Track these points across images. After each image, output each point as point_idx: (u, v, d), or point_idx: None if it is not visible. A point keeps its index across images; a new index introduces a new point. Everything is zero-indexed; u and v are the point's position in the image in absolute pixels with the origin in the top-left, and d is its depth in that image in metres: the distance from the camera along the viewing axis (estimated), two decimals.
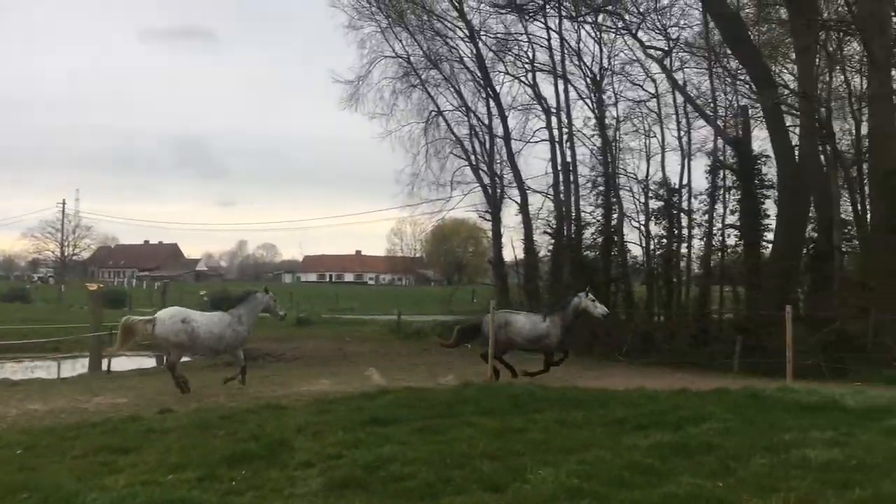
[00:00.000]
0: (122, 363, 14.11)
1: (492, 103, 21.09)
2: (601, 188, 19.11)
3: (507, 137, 20.81)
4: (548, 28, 19.95)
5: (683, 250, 18.58)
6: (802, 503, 4.26)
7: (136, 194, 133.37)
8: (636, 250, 19.35)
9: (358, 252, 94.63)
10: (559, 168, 19.91)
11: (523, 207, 20.44)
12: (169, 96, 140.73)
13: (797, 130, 16.85)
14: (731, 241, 17.44)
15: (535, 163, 22.51)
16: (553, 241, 19.88)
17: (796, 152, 16.33)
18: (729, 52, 17.05)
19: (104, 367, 13.18)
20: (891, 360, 11.88)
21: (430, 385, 10.21)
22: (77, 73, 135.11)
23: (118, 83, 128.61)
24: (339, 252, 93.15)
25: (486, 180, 21.21)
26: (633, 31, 17.91)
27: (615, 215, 18.88)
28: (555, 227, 19.83)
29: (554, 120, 20.22)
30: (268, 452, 5.39)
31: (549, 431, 6.32)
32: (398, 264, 79.84)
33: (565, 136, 19.98)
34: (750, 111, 17.43)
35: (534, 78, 20.70)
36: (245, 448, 5.50)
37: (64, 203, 65.08)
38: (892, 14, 15.23)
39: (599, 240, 18.90)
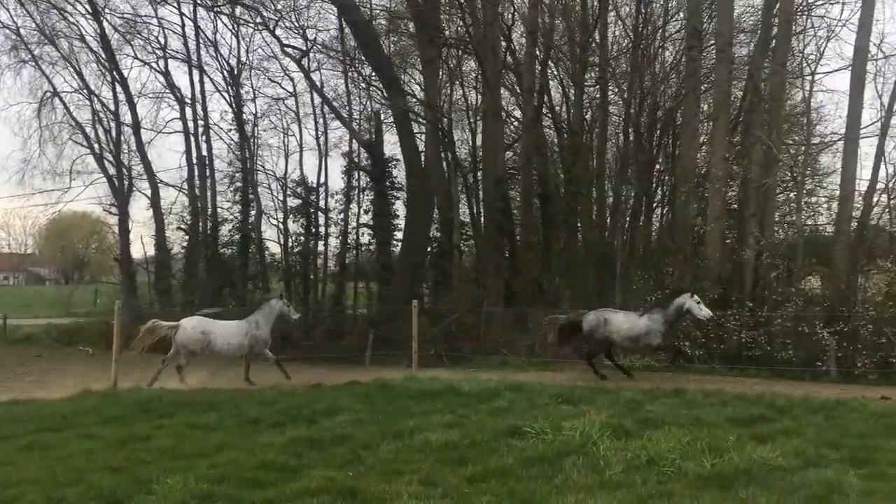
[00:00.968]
0: None
1: (119, 88, 20.33)
2: (239, 184, 19.79)
3: (136, 126, 20.33)
4: (181, 14, 19.96)
5: (321, 248, 20.36)
6: (424, 483, 4.92)
7: None
8: (274, 247, 20.46)
9: None
10: (195, 161, 20.09)
11: (155, 201, 20.15)
12: None
13: (423, 137, 19.90)
14: (364, 239, 19.84)
15: (169, 155, 22.21)
16: (188, 237, 19.92)
17: (423, 157, 19.24)
18: (363, 57, 19.11)
19: None
20: (499, 348, 14.06)
21: (42, 395, 9.69)
22: None
23: None
24: None
25: (112, 171, 20.57)
26: (271, 28, 18.80)
27: (253, 212, 19.67)
28: (189, 222, 19.89)
29: (189, 111, 20.40)
30: None
31: (179, 437, 6.38)
32: (4, 261, 74.17)
33: (201, 129, 20.22)
34: (382, 116, 19.92)
35: (166, 66, 20.63)
36: None
37: None
38: (501, 39, 19.59)
39: (237, 237, 19.54)
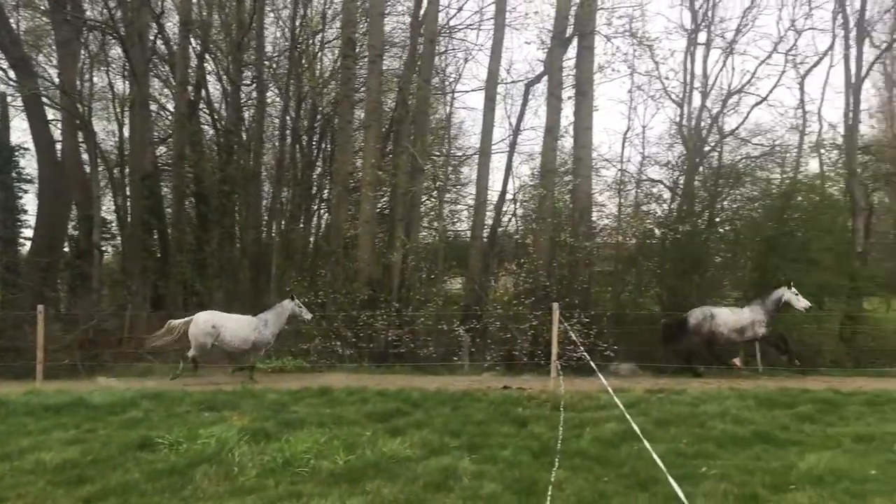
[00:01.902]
0: None
1: None
2: None
3: None
4: None
5: None
6: None
7: None
8: None
9: None
10: None
11: None
12: None
13: (60, 125, 19.23)
14: None
15: None
16: None
17: (59, 147, 18.74)
18: None
19: None
20: (143, 355, 14.02)
21: None
22: None
23: None
24: None
25: None
26: None
27: None
28: None
29: None
30: None
31: None
32: None
33: None
34: (9, 99, 18.72)
35: None
36: None
37: None
38: (153, 26, 19.66)
39: None
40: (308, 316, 13.23)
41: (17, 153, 18.15)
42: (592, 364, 9.07)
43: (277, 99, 23.10)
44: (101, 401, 9.01)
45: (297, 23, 22.49)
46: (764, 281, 16.03)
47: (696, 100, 21.12)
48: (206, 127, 21.36)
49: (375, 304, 15.35)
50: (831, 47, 20.61)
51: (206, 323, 12.34)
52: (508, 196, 20.95)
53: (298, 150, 22.83)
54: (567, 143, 19.38)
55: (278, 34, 23.56)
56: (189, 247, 18.29)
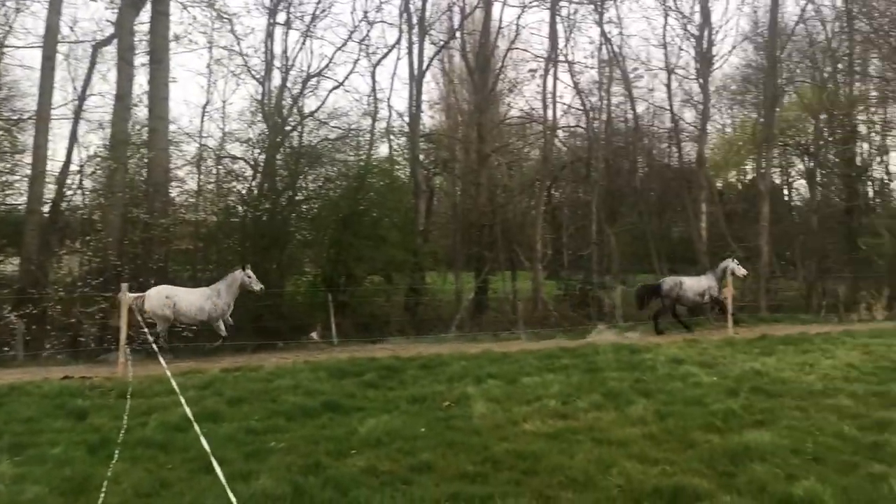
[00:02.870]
0: None
1: None
2: None
3: None
4: None
5: None
6: None
7: None
8: None
9: None
10: None
11: None
12: None
13: None
14: None
15: None
16: None
17: None
18: None
19: None
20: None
21: None
22: None
23: None
24: None
25: None
26: None
27: None
28: None
29: None
30: None
31: None
32: None
33: None
34: None
35: None
36: None
37: None
38: None
39: None
40: (258, 287, 14.61)
41: None
42: (156, 347, 9.72)
43: None
44: None
45: None
46: (339, 258, 18.73)
47: (277, 79, 23.08)
48: None
49: None
50: (398, 41, 24.65)
51: (159, 295, 13.85)
52: (74, 167, 20.10)
53: None
54: (142, 112, 19.42)
55: None
56: None
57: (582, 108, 26.40)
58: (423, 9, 23.99)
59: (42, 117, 17.49)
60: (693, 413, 8.01)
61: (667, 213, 31.19)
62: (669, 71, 26.65)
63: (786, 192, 35.64)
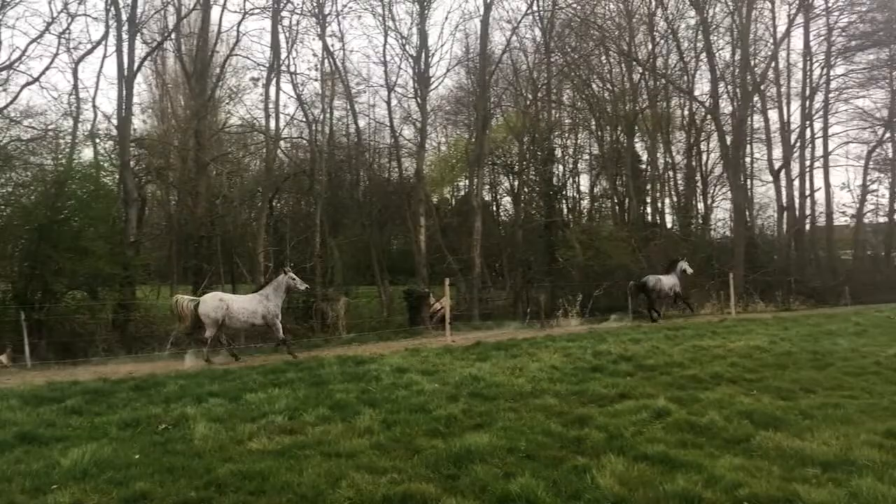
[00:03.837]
0: None
1: None
2: None
3: None
4: None
5: None
6: None
7: None
8: None
9: None
10: None
11: None
12: None
13: None
14: None
15: None
16: None
17: None
18: None
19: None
20: None
21: None
22: None
23: None
24: None
25: None
26: None
27: None
28: None
29: None
30: None
31: None
32: None
33: None
34: None
35: None
36: None
37: None
38: None
39: None
40: (303, 286, 16.08)
41: None
42: None
43: None
44: None
45: None
46: (35, 272, 17.50)
47: None
48: None
49: None
50: (105, 37, 23.43)
51: (214, 298, 15.18)
52: None
53: None
54: None
55: None
56: None
57: (305, 119, 27.28)
58: (134, 5, 23.10)
59: None
60: (418, 420, 8.50)
61: (388, 226, 33.24)
62: (389, 88, 28.61)
63: (495, 208, 39.83)
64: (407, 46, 28.04)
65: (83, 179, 20.00)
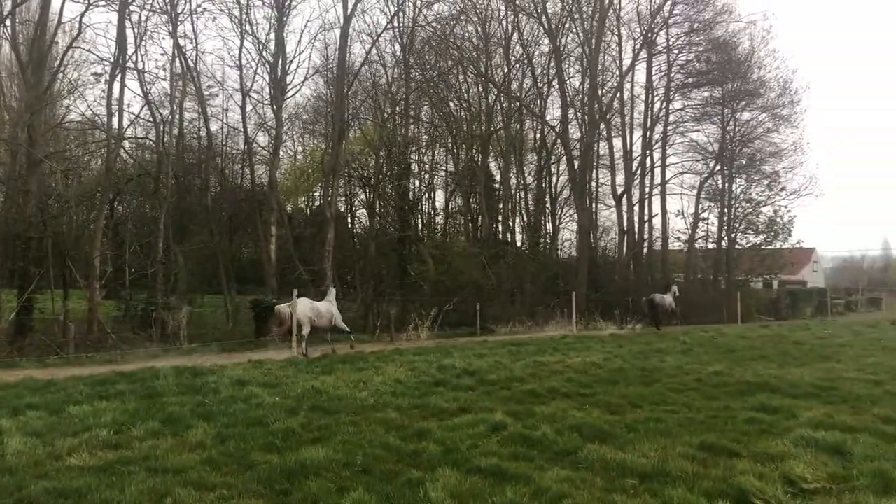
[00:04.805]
0: None
1: None
2: None
3: None
4: None
5: None
6: None
7: None
8: None
9: None
10: None
11: None
12: None
13: None
14: None
15: None
16: None
17: None
18: None
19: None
20: None
21: None
22: None
23: None
24: None
25: None
26: None
27: None
28: None
29: None
30: None
31: None
32: None
33: None
34: None
35: None
36: None
37: None
38: None
39: None
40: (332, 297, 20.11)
41: None
42: None
43: None
44: None
45: None
46: None
47: None
48: None
49: None
50: None
51: (304, 304, 18.66)
52: None
53: None
54: None
55: None
56: None
57: (152, 120, 26.35)
58: None
59: None
60: (254, 434, 8.42)
61: (238, 234, 32.63)
62: (244, 93, 28.22)
63: (350, 219, 40.00)
64: (264, 52, 27.81)
65: None
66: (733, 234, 42.60)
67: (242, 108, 28.21)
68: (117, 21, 23.56)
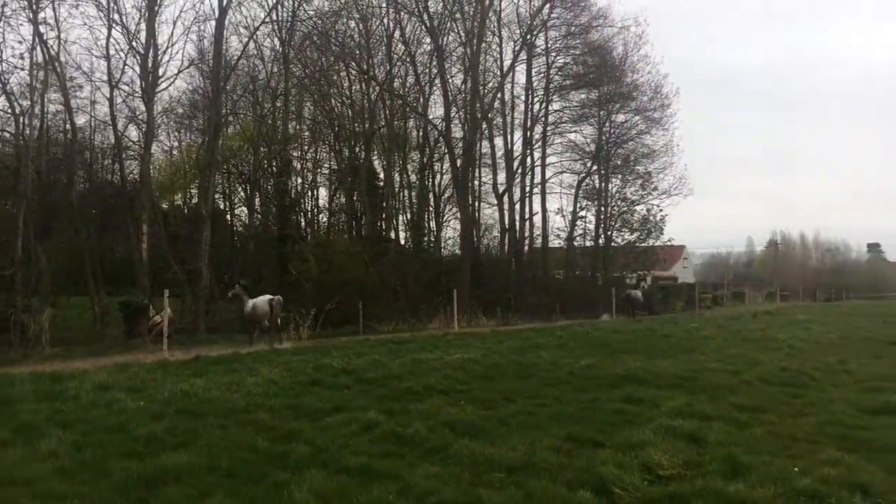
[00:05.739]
0: None
1: None
2: None
3: None
4: None
5: None
6: None
7: None
8: None
9: None
10: None
11: None
12: None
13: None
14: None
15: None
16: None
17: None
18: None
19: None
20: None
21: None
22: None
23: None
24: None
25: None
26: None
27: None
28: None
29: None
30: None
31: None
32: None
33: None
34: None
35: None
36: None
37: None
38: None
39: None
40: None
41: None
42: None
43: None
44: None
45: None
46: None
47: None
48: None
49: None
50: None
51: (263, 302, 21.09)
52: None
53: None
54: None
55: None
56: None
57: (10, 111, 24.88)
58: None
59: None
60: (114, 440, 8.13)
61: (108, 233, 31.28)
62: (113, 85, 27.03)
63: (230, 217, 39.09)
64: (134, 42, 26.71)
65: None
66: (609, 232, 44.47)
67: (111, 100, 27.00)
68: None
